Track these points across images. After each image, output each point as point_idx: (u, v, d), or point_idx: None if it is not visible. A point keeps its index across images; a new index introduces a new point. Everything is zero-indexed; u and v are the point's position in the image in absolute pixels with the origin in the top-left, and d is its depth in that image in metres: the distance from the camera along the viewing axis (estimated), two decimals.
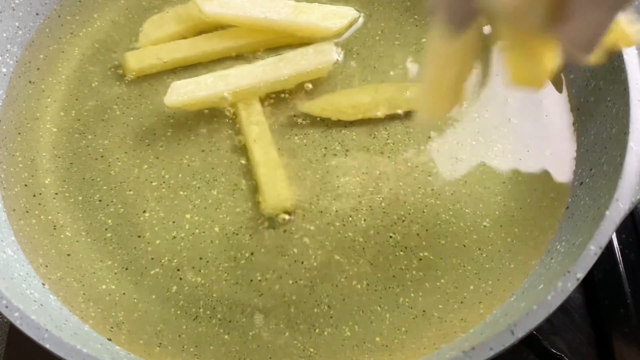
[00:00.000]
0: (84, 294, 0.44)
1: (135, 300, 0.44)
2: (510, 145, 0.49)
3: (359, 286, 0.44)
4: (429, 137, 0.49)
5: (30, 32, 0.54)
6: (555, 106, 0.50)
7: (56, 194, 0.48)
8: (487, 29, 0.33)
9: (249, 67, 0.49)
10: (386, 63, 0.52)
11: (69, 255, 0.45)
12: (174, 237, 0.46)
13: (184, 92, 0.48)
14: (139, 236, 0.46)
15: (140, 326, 0.43)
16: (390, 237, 0.46)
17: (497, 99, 0.51)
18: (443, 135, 0.49)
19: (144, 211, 0.47)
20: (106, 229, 0.46)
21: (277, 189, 0.46)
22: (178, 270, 0.45)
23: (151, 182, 0.48)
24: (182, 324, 0.43)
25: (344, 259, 0.45)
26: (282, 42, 0.52)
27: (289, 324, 0.43)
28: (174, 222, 0.46)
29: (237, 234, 0.46)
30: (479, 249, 0.45)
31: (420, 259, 0.45)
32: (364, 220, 0.46)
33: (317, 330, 0.43)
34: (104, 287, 0.44)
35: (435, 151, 0.49)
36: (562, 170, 0.48)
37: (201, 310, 0.44)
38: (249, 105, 0.49)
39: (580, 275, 0.38)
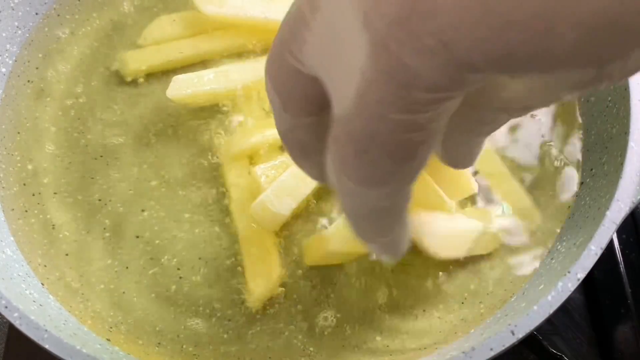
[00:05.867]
0: (82, 294, 0.44)
1: (134, 300, 0.44)
2: (510, 145, 0.49)
3: (358, 285, 0.44)
4: None
5: (30, 32, 0.53)
6: (555, 106, 0.50)
7: (55, 193, 0.48)
8: None
9: (250, 63, 0.49)
10: None
11: (67, 255, 0.45)
12: (174, 237, 0.46)
13: (186, 87, 0.47)
14: (139, 236, 0.46)
15: (139, 326, 0.43)
16: None
17: None
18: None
19: (144, 211, 0.47)
20: (105, 229, 0.46)
21: None
22: (178, 269, 0.45)
23: (151, 182, 0.48)
24: (181, 324, 0.43)
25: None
26: None
27: (289, 324, 0.43)
28: (174, 222, 0.46)
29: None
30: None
31: (420, 259, 0.45)
32: None
33: (317, 330, 0.43)
34: (103, 287, 0.44)
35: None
36: (562, 170, 0.48)
37: (200, 310, 0.43)
38: (249, 101, 0.49)
39: (581, 275, 0.38)
